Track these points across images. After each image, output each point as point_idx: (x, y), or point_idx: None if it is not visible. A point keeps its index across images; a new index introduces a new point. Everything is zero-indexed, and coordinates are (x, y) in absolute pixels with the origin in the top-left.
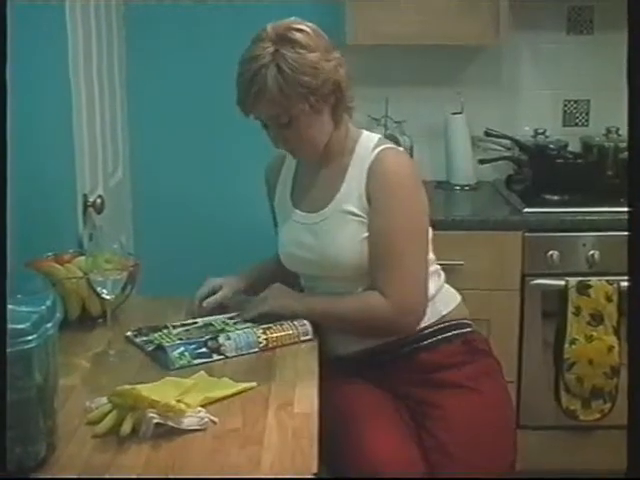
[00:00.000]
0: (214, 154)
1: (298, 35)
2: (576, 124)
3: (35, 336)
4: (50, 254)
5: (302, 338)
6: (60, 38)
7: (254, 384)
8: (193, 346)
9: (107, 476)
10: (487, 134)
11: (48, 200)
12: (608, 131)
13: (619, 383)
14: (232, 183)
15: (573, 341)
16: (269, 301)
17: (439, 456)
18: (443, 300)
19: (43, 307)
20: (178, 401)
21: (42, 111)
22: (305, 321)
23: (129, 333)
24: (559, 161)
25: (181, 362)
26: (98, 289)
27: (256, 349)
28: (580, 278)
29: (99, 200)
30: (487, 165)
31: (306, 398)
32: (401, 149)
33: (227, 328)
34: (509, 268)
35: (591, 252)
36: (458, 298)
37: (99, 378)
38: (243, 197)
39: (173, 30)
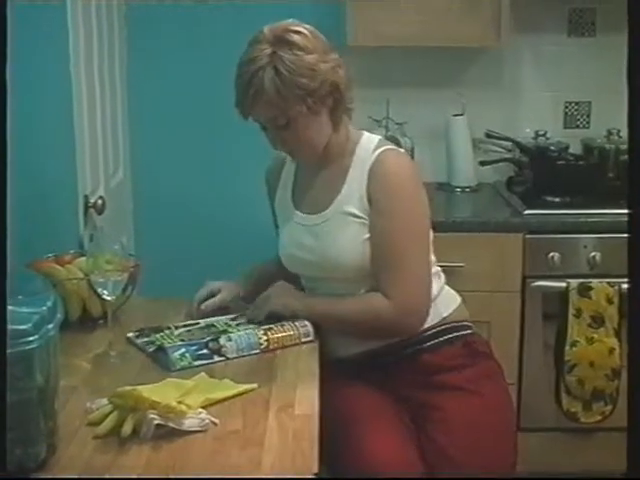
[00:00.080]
0: (215, 155)
1: (295, 37)
2: (577, 126)
3: (36, 337)
4: (51, 255)
5: (303, 339)
6: (61, 38)
7: (255, 385)
8: (194, 347)
9: (106, 476)
10: (488, 136)
11: (49, 201)
12: (609, 133)
13: (620, 385)
14: (233, 184)
15: (574, 343)
16: (272, 300)
17: (439, 459)
18: (444, 302)
19: (44, 308)
20: (179, 402)
21: (43, 111)
22: (306, 322)
23: (130, 334)
24: (560, 163)
25: (182, 363)
26: (99, 290)
27: (257, 350)
28: (581, 280)
29: (100, 201)
30: (488, 167)
31: (307, 400)
32: (402, 150)
33: (229, 330)
34: (510, 270)
35: (592, 254)
36: (458, 300)
37: (100, 379)
38: (244, 198)
39: (174, 30)
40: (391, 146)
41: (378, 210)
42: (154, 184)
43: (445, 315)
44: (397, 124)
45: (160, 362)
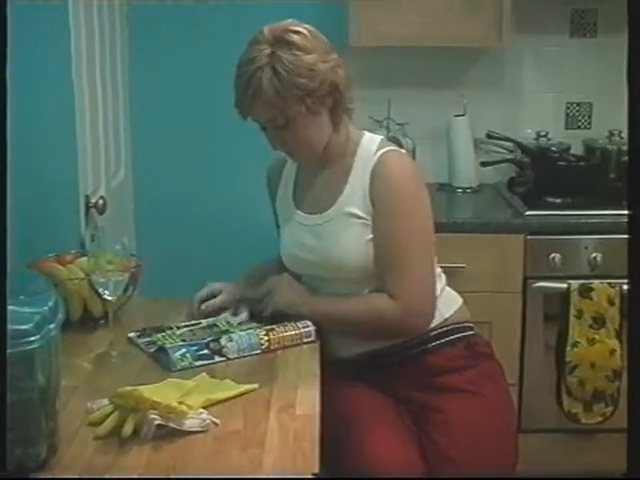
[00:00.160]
0: (217, 155)
1: (295, 37)
2: (579, 127)
3: (37, 337)
4: (52, 255)
5: (304, 340)
6: (63, 38)
7: (256, 386)
8: (195, 348)
9: (107, 476)
10: (489, 136)
11: (50, 201)
12: (611, 134)
13: (621, 386)
14: (234, 184)
15: (575, 344)
16: (277, 297)
17: (440, 460)
18: (445, 303)
19: (45, 308)
20: (180, 403)
21: (44, 112)
22: (308, 322)
23: (131, 334)
24: (561, 164)
25: (183, 364)
26: (100, 290)
27: (258, 351)
28: (582, 281)
29: (101, 201)
30: (489, 167)
31: (308, 400)
32: (404, 151)
33: (231, 330)
34: (511, 271)
35: (593, 255)
36: (460, 301)
37: (101, 379)
38: (245, 198)
39: (176, 30)
40: (393, 147)
41: (381, 211)
42: (155, 184)
43: (447, 316)
44: (398, 124)
45: (161, 362)
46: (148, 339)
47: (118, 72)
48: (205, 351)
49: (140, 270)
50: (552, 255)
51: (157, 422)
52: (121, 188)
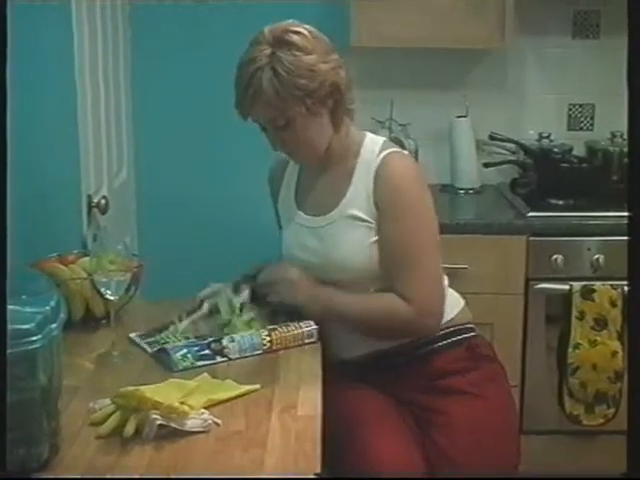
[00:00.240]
0: (219, 155)
1: (295, 37)
2: (581, 128)
3: (39, 337)
4: (54, 255)
5: (306, 340)
6: (66, 38)
7: (257, 386)
8: (196, 348)
9: (108, 476)
10: (492, 138)
11: (52, 201)
12: (613, 135)
13: (623, 388)
14: (236, 184)
15: (577, 346)
16: (284, 289)
17: (443, 462)
18: (448, 304)
19: (47, 308)
20: (181, 403)
21: (47, 112)
22: (311, 322)
23: (133, 335)
24: (564, 165)
25: (184, 364)
26: (102, 290)
27: (259, 351)
28: (584, 282)
29: (103, 201)
30: (492, 169)
31: (309, 401)
32: (406, 153)
33: (234, 320)
34: (513, 272)
35: (596, 256)
36: (462, 302)
37: (102, 379)
38: (247, 198)
39: (179, 31)
40: (396, 148)
41: (388, 215)
42: (158, 184)
43: (449, 318)
44: (401, 125)
45: (163, 363)
46: (151, 339)
47: (121, 72)
48: (207, 351)
49: (142, 270)
50: (554, 256)
51: (159, 422)
52: (123, 188)
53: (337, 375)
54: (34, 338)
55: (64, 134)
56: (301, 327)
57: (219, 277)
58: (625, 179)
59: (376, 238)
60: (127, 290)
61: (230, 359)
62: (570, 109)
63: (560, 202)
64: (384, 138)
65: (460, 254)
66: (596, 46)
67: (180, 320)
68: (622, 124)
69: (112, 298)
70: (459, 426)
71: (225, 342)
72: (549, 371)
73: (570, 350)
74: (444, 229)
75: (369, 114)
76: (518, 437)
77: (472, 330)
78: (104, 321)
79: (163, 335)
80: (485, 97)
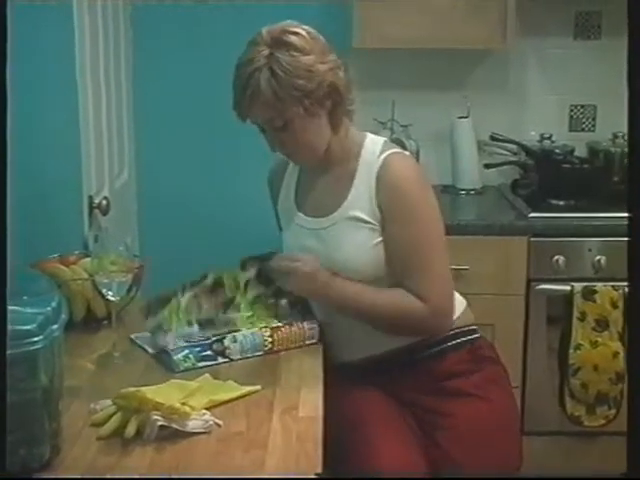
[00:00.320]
0: (219, 156)
1: (293, 38)
2: (582, 129)
3: (41, 337)
4: (55, 255)
5: (307, 342)
6: (67, 38)
7: (259, 387)
8: (198, 349)
9: (109, 476)
10: (493, 138)
11: (53, 201)
12: (614, 136)
13: (624, 389)
14: (237, 185)
15: (578, 346)
16: (302, 283)
17: (445, 464)
18: None
19: (48, 308)
20: (183, 404)
21: (48, 112)
22: (315, 323)
23: (133, 336)
24: (565, 166)
25: (186, 365)
26: (103, 291)
27: (261, 352)
28: (585, 283)
29: (105, 202)
30: (493, 169)
31: (311, 402)
32: (407, 153)
33: (238, 298)
34: (514, 273)
35: (597, 257)
36: (464, 304)
37: (104, 380)
38: (247, 199)
39: (179, 31)
40: (397, 149)
41: (393, 217)
42: (158, 185)
43: (452, 319)
44: (402, 126)
45: (164, 363)
46: (153, 320)
47: (122, 73)
48: (208, 352)
49: (143, 271)
50: (555, 257)
51: (160, 423)
52: (124, 189)
53: (338, 377)
54: (35, 339)
55: (65, 135)
56: (304, 326)
57: None
58: (626, 180)
59: (379, 240)
60: (128, 291)
61: (231, 360)
62: (572, 110)
63: (561, 203)
64: (384, 138)
65: (461, 255)
66: (598, 47)
67: (183, 291)
68: (624, 125)
69: (113, 299)
70: (462, 428)
71: (227, 342)
72: (550, 372)
73: (571, 351)
74: (445, 230)
75: (370, 115)
76: (520, 439)
77: (475, 332)
78: (105, 322)
79: (165, 314)
80: (486, 98)
